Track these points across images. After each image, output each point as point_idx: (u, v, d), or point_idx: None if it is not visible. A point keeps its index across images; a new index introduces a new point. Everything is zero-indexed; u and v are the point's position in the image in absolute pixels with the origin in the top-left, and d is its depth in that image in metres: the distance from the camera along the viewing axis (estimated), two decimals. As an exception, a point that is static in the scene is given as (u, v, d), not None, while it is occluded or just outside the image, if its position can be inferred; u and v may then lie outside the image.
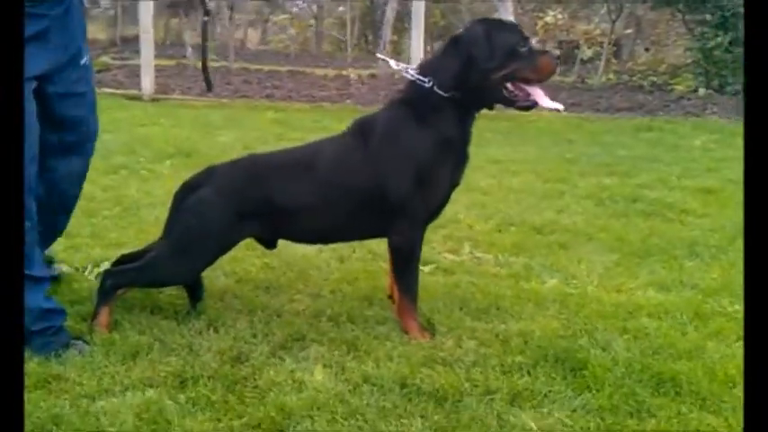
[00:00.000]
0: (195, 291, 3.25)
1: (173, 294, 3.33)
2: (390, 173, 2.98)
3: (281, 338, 2.92)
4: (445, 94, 2.97)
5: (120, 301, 3.17)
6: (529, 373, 2.70)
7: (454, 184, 3.12)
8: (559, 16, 15.34)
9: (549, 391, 2.57)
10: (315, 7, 22.13)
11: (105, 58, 14.34)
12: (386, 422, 2.37)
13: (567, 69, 16.49)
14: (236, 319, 3.10)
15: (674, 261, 4.04)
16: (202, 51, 11.42)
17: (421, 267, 3.75)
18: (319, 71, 14.41)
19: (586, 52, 15.54)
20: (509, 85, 3.01)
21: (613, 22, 13.87)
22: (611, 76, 14.21)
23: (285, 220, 3.09)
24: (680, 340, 2.97)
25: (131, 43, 19.28)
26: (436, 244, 4.32)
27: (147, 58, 10.68)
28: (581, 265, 3.96)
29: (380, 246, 4.01)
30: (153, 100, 10.50)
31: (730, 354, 2.88)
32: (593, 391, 2.57)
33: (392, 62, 3.26)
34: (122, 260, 3.28)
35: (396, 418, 2.40)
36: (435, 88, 2.98)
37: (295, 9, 23.62)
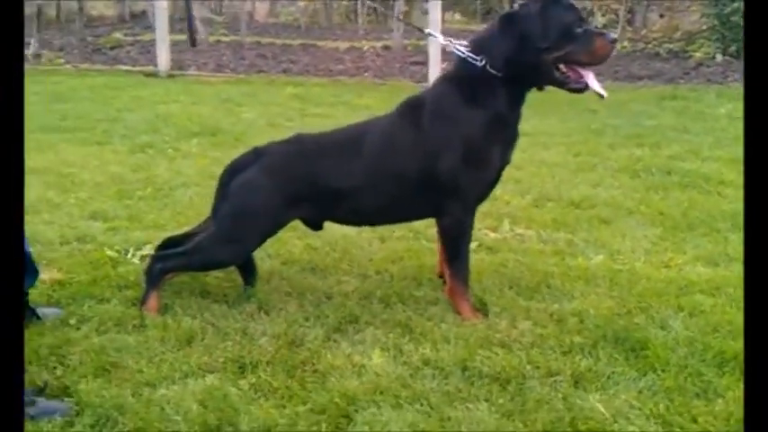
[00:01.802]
0: (248, 273, 3.23)
1: (219, 277, 3.31)
2: (441, 152, 2.93)
3: (335, 321, 2.89)
4: (498, 74, 2.91)
5: (168, 285, 3.15)
6: (590, 354, 2.67)
7: (505, 163, 3.06)
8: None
9: (613, 373, 2.54)
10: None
11: (117, 35, 14.21)
12: (451, 407, 2.34)
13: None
14: (286, 301, 3.08)
15: (717, 234, 3.99)
16: (186, 6, 11.28)
17: (464, 246, 3.75)
18: (332, 44, 14.26)
19: (600, 20, 15.37)
20: (562, 66, 2.94)
21: (630, -12, 13.66)
22: (626, 43, 14.04)
23: (333, 202, 3.05)
24: (737, 316, 2.92)
25: (141, 19, 19.23)
26: (476, 221, 4.26)
27: (162, 33, 10.58)
28: (625, 241, 3.91)
29: (420, 223, 3.99)
30: (169, 76, 10.43)
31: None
32: (658, 372, 2.53)
33: (441, 38, 3.19)
34: (167, 244, 3.25)
35: (461, 401, 2.38)
36: (488, 67, 2.91)
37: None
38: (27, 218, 3.95)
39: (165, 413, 2.28)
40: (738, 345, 2.69)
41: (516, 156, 5.73)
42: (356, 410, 2.32)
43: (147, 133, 6.55)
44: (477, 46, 2.98)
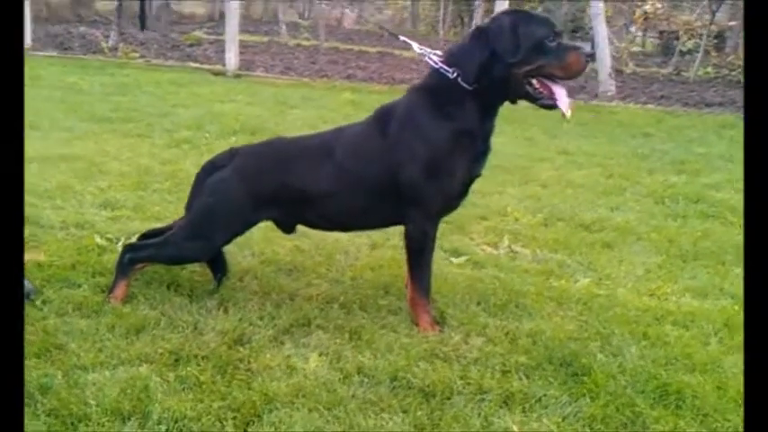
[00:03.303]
0: (217, 268, 3.28)
1: (195, 272, 3.37)
2: (404, 160, 2.92)
3: (287, 323, 2.92)
4: (468, 87, 2.89)
5: (141, 275, 3.22)
6: (528, 375, 2.62)
7: (473, 176, 3.03)
8: (658, 5, 14.81)
9: (544, 396, 2.49)
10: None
11: (199, 33, 14.59)
12: (365, 415, 2.33)
13: (664, 61, 16.00)
14: (248, 300, 3.11)
15: (721, 267, 3.86)
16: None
17: (452, 259, 3.75)
18: (408, 53, 14.29)
19: (686, 44, 15.00)
20: (534, 81, 2.90)
21: (713, 12, 13.29)
22: (710, 69, 13.67)
23: (301, 206, 3.07)
24: (699, 351, 2.83)
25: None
26: (476, 235, 4.25)
27: (232, 34, 10.83)
28: (621, 266, 3.82)
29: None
30: (236, 76, 10.66)
31: (750, 370, 2.72)
32: (590, 399, 2.46)
33: (415, 45, 3.19)
34: (147, 235, 3.33)
35: (377, 411, 2.36)
36: (459, 80, 2.89)
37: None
38: (38, 202, 4.16)
39: (83, 397, 2.33)
40: (688, 379, 2.61)
41: (546, 174, 5.76)
42: (270, 410, 2.33)
43: (190, 129, 6.71)
44: (450, 57, 2.96)
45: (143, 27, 16.16)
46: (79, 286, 3.15)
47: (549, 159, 6.37)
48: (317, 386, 2.48)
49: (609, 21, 15.28)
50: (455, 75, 2.90)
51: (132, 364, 2.56)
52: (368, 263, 3.63)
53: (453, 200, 3.03)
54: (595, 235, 4.34)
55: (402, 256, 3.68)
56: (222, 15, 21.03)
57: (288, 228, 3.22)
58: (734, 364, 2.76)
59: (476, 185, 5.18)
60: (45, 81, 8.96)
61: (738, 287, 3.52)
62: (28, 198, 3.66)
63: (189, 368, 2.54)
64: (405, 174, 2.91)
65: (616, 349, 2.83)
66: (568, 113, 2.95)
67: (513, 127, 7.99)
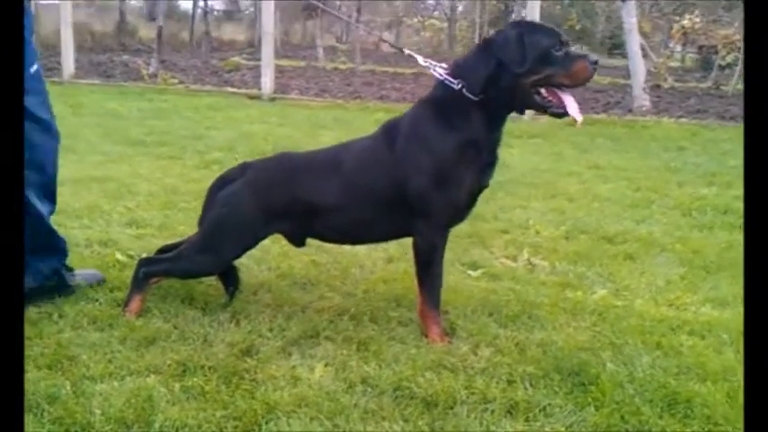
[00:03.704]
0: (229, 282, 3.31)
1: (211, 285, 3.40)
2: (411, 172, 2.93)
3: (296, 334, 2.93)
4: (474, 98, 2.89)
5: (158, 290, 3.27)
6: (534, 384, 2.59)
7: (481, 187, 3.02)
8: (696, 20, 14.66)
9: (549, 405, 2.46)
10: (448, 11, 22.14)
11: (237, 58, 14.81)
12: (365, 424, 2.33)
13: (704, 75, 15.80)
14: (259, 312, 3.13)
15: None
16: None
17: (469, 272, 3.75)
18: (444, 73, 14.29)
19: (726, 58, 14.80)
20: (543, 91, 2.89)
21: (753, 25, 13.08)
22: (750, 82, 13.45)
23: (311, 219, 3.09)
24: (712, 360, 2.77)
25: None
26: (496, 249, 4.23)
27: (268, 59, 10.97)
28: (641, 278, 3.77)
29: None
30: (271, 99, 10.78)
31: (764, 378, 2.66)
32: (594, 408, 2.43)
33: (420, 59, 3.20)
34: (164, 250, 3.38)
35: (378, 420, 2.36)
36: (464, 91, 2.90)
37: (436, 12, 23.73)
38: (67, 222, 4.25)
39: (89, 406, 2.36)
40: (698, 388, 2.57)
41: (574, 187, 5.73)
42: (270, 419, 2.35)
43: (221, 150, 6.81)
44: (456, 69, 2.97)
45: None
46: (96, 301, 3.21)
47: (576, 174, 6.34)
48: (320, 395, 2.48)
49: (647, 36, 15.20)
50: (460, 86, 2.91)
51: (140, 375, 2.60)
52: (382, 276, 3.63)
53: (461, 211, 3.03)
54: (618, 247, 4.29)
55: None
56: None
57: (298, 241, 3.24)
58: (748, 373, 2.71)
59: (499, 200, 5.24)
60: (86, 108, 9.16)
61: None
62: (57, 218, 3.71)
63: (195, 378, 2.57)
64: (412, 185, 2.92)
65: (627, 359, 2.79)
66: (579, 120, 2.94)
67: (541, 142, 7.99)
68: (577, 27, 21.53)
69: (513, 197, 5.44)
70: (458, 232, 4.45)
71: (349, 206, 3.04)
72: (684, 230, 4.63)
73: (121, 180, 5.49)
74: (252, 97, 10.87)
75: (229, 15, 26.46)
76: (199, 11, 20.08)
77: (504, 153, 7.02)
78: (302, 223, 3.13)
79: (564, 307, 3.30)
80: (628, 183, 5.97)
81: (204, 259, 3.13)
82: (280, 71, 13.81)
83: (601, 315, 3.22)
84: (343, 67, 15.88)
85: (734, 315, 3.27)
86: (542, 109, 2.93)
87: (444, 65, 3.04)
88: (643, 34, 15.01)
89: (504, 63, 2.84)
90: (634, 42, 10.30)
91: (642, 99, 10.23)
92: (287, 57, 18.43)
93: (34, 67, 3.09)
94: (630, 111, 10.24)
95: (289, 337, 2.91)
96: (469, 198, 3.00)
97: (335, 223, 3.09)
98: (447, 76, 2.96)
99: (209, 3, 21.51)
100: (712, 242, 4.37)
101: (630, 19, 10.23)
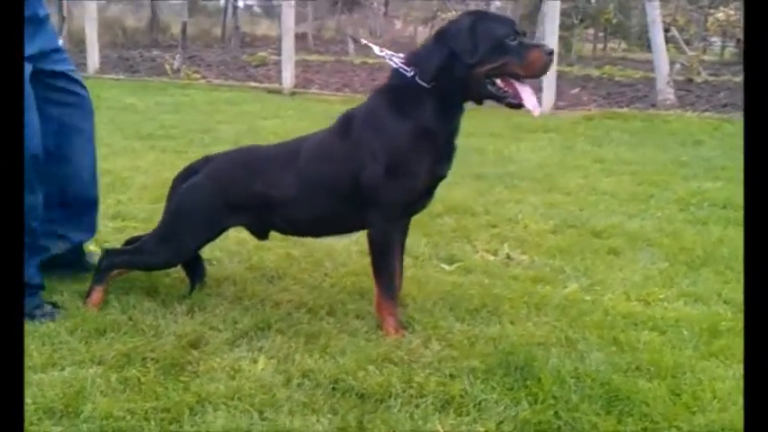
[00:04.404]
0: (195, 274, 3.32)
1: (177, 277, 3.41)
2: (364, 161, 2.89)
3: (247, 327, 2.91)
4: (426, 85, 2.85)
5: (123, 281, 3.28)
6: (475, 379, 2.54)
7: (438, 177, 2.98)
8: (731, 12, 14.34)
9: (484, 400, 2.41)
10: (483, 5, 21.96)
11: (263, 54, 14.86)
12: (292, 416, 2.31)
13: (739, 70, 15.46)
14: (217, 305, 3.12)
15: (729, 273, 3.69)
16: None
17: (444, 266, 3.72)
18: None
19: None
20: (498, 81, 2.84)
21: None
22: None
23: (269, 212, 3.08)
24: (666, 357, 2.69)
25: (299, 40, 20.02)
26: (479, 243, 4.18)
27: (288, 53, 11.02)
28: (620, 273, 3.69)
29: (412, 240, 3.96)
30: (292, 94, 10.80)
31: (717, 376, 2.59)
32: (527, 404, 2.38)
33: (376, 48, 3.17)
34: (131, 241, 3.39)
35: (308, 413, 2.33)
36: (417, 78, 2.86)
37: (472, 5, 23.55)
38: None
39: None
40: (642, 385, 2.51)
41: (574, 182, 5.64)
42: (198, 412, 2.33)
43: (227, 144, 6.79)
44: (411, 58, 2.94)
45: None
46: (61, 293, 3.23)
47: (581, 167, 6.24)
48: (256, 388, 2.46)
49: (681, 29, 14.90)
50: (412, 74, 2.87)
51: (82, 366, 2.59)
52: (353, 269, 3.60)
53: (415, 201, 2.98)
54: (604, 241, 4.21)
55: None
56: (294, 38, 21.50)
57: (260, 233, 3.23)
58: (702, 370, 2.63)
59: (496, 194, 5.18)
60: (103, 102, 9.23)
61: (738, 293, 3.35)
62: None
63: (134, 370, 2.56)
64: (365, 174, 2.88)
65: (578, 354, 2.73)
66: (536, 111, 2.88)
67: (555, 136, 7.89)
68: (614, 21, 21.26)
69: (510, 191, 5.37)
70: (443, 226, 4.44)
71: (306, 199, 3.01)
72: (676, 225, 4.52)
73: (118, 173, 5.53)
74: (272, 92, 10.90)
75: (267, 11, 26.61)
76: (230, 6, 20.21)
77: (510, 147, 7.05)
78: (262, 216, 3.11)
79: (528, 302, 3.24)
80: (631, 177, 5.86)
81: (163, 251, 3.13)
82: (307, 65, 13.86)
83: (564, 310, 3.16)
84: (371, 61, 15.83)
85: (705, 311, 3.20)
86: (498, 99, 2.88)
87: (401, 54, 3.01)
88: (678, 27, 14.76)
89: (457, 52, 2.80)
90: (658, 35, 10.11)
91: (666, 93, 10.04)
92: (318, 51, 18.45)
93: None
94: (654, 105, 10.06)
95: (239, 330, 2.89)
96: (424, 188, 2.96)
97: (293, 216, 3.07)
98: (401, 65, 2.92)
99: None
100: (703, 237, 4.27)
101: (654, 11, 10.04)
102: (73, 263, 3.48)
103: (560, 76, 12.61)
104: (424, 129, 2.88)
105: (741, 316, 3.10)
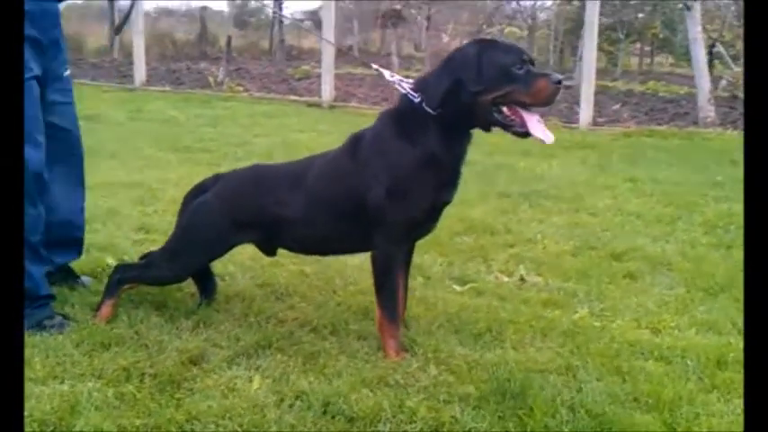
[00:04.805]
0: (206, 289, 3.36)
1: (188, 292, 3.45)
2: (370, 184, 2.90)
3: (248, 344, 2.94)
4: (432, 112, 2.86)
5: (136, 295, 3.33)
6: (468, 405, 2.53)
7: (442, 202, 2.97)
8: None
9: (474, 428, 2.40)
10: (530, 19, 21.89)
11: (306, 67, 14.98)
12: (277, 439, 2.32)
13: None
14: (223, 321, 3.15)
15: (748, 300, 3.60)
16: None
17: (455, 287, 3.70)
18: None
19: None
20: (504, 109, 2.83)
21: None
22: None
23: (277, 230, 3.11)
24: (668, 389, 2.65)
25: (344, 52, 20.16)
26: (495, 263, 4.16)
27: (328, 66, 11.08)
28: (634, 298, 3.64)
29: (424, 260, 3.97)
30: (331, 107, 10.87)
31: (715, 411, 2.54)
32: (518, 433, 2.36)
33: (386, 73, 3.18)
34: (146, 256, 3.45)
35: (292, 436, 2.35)
36: (423, 105, 2.87)
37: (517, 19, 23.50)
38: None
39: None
40: (637, 418, 2.47)
41: (602, 202, 5.59)
42: (186, 431, 2.36)
43: (259, 157, 6.85)
44: (419, 83, 2.95)
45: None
46: (73, 306, 3.29)
47: (611, 187, 6.16)
48: (248, 408, 2.48)
49: (728, 45, 14.67)
50: (419, 100, 2.88)
51: (81, 380, 2.64)
52: (362, 288, 3.60)
53: (419, 225, 2.98)
54: (623, 265, 4.15)
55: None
56: (340, 51, 21.61)
57: (268, 251, 3.26)
58: (703, 404, 2.58)
59: (520, 213, 5.15)
60: (145, 114, 9.44)
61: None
62: None
63: (131, 385, 2.60)
64: (370, 196, 2.90)
65: (577, 383, 2.69)
66: (548, 140, 2.85)
67: (590, 153, 7.82)
68: (661, 36, 20.99)
69: (534, 210, 5.33)
70: (461, 245, 4.43)
71: (313, 218, 3.04)
72: (700, 249, 4.44)
73: (149, 185, 5.62)
74: (311, 105, 10.99)
75: (317, 25, 26.81)
76: (276, 20, 20.44)
77: (542, 164, 7.01)
78: (270, 234, 3.15)
79: (535, 326, 3.21)
80: (661, 198, 5.77)
81: (171, 266, 3.18)
82: (349, 79, 13.94)
83: (571, 336, 3.13)
84: (415, 74, 15.86)
85: (715, 341, 3.13)
86: (505, 127, 2.87)
87: (409, 80, 3.02)
88: (723, 44, 14.53)
89: (463, 80, 2.80)
90: (699, 52, 9.97)
91: (707, 110, 9.88)
92: (363, 64, 18.52)
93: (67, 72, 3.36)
94: (696, 122, 9.91)
95: (240, 347, 2.92)
96: (428, 213, 2.96)
97: (301, 235, 3.10)
98: (409, 90, 2.94)
99: (289, 12, 21.88)
100: (726, 262, 4.18)
101: (695, 28, 9.90)
102: (60, 283, 3.50)
103: (603, 91, 12.51)
104: (429, 154, 2.88)
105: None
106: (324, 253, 3.35)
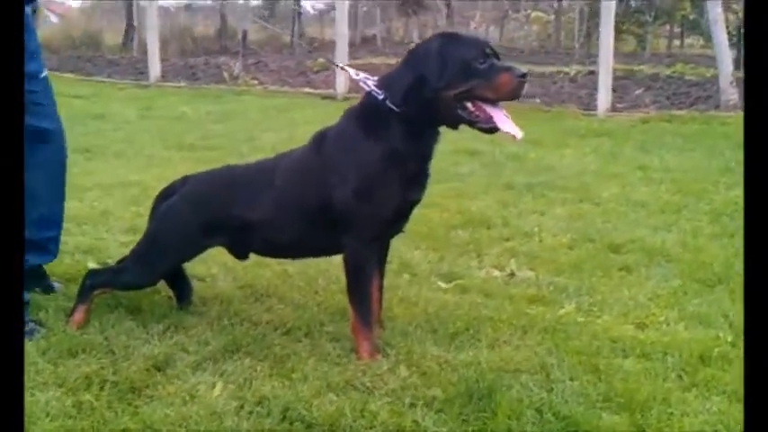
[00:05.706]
0: (181, 293, 3.31)
1: (164, 295, 3.40)
2: (335, 184, 2.82)
3: (216, 348, 2.87)
4: (396, 109, 2.77)
5: (111, 299, 3.29)
6: (432, 408, 2.45)
7: (411, 200, 2.89)
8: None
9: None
10: (555, 3, 21.62)
11: (322, 60, 14.91)
12: (231, 447, 2.26)
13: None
14: (193, 325, 3.09)
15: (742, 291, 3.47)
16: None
17: (441, 284, 3.61)
18: (540, 68, 13.88)
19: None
20: (468, 105, 2.73)
21: None
22: None
23: (246, 233, 3.03)
24: (643, 388, 2.54)
25: (367, 43, 20.13)
26: (488, 258, 4.06)
27: (341, 58, 11.00)
28: (626, 291, 3.52)
29: (416, 257, 3.88)
30: (345, 99, 10.78)
31: (690, 410, 2.43)
32: (479, 438, 2.28)
33: (352, 71, 3.08)
34: (122, 260, 3.40)
35: (248, 444, 2.28)
36: (387, 102, 2.79)
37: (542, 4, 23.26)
38: (71, 228, 4.32)
39: (-28, 419, 2.39)
40: (606, 419, 2.37)
41: (608, 191, 5.45)
42: (139, 439, 2.31)
43: (264, 152, 6.79)
44: (383, 80, 2.87)
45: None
46: (46, 310, 3.25)
47: (620, 176, 6.02)
48: (206, 416, 2.41)
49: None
50: (383, 97, 2.80)
51: (42, 389, 2.59)
52: (343, 287, 3.51)
53: (387, 224, 2.89)
54: (620, 257, 4.04)
55: (389, 282, 3.61)
56: (364, 40, 21.53)
57: (240, 254, 3.19)
58: (678, 403, 2.48)
59: (522, 204, 5.04)
60: (156, 111, 9.44)
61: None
62: (65, 224, 3.81)
63: (91, 393, 2.55)
64: (335, 195, 2.82)
65: (549, 383, 2.60)
66: (518, 136, 2.74)
67: (605, 141, 7.68)
68: (691, 17, 20.59)
69: (537, 201, 5.22)
70: (456, 239, 4.34)
71: (279, 220, 2.97)
72: (702, 239, 4.30)
73: (147, 185, 5.57)
74: (326, 98, 10.91)
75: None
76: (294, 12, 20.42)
77: (553, 154, 6.88)
78: (240, 237, 3.08)
79: (516, 324, 3.12)
80: (670, 185, 5.62)
81: (141, 271, 3.12)
82: (366, 70, 13.79)
83: (551, 333, 3.03)
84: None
85: (703, 335, 3.02)
86: (470, 123, 2.77)
87: (374, 78, 2.94)
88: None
89: (424, 75, 2.71)
90: (720, 33, 9.72)
91: (729, 93, 9.64)
92: (384, 54, 18.42)
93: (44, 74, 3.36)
94: (717, 106, 9.68)
95: (208, 352, 2.85)
96: (395, 212, 2.87)
97: (270, 237, 3.03)
98: (373, 87, 2.85)
99: (311, 3, 21.88)
100: (726, 251, 4.05)
101: (716, 9, 9.66)
102: (32, 286, 3.42)
103: (628, 76, 12.29)
104: (392, 152, 2.79)
105: (740, 341, 2.91)
106: (295, 256, 3.29)
